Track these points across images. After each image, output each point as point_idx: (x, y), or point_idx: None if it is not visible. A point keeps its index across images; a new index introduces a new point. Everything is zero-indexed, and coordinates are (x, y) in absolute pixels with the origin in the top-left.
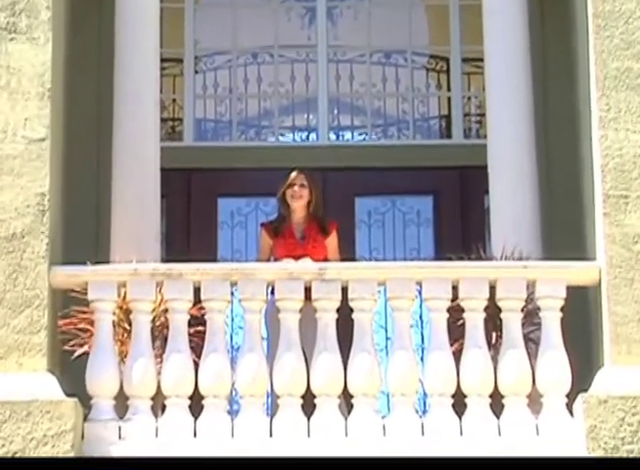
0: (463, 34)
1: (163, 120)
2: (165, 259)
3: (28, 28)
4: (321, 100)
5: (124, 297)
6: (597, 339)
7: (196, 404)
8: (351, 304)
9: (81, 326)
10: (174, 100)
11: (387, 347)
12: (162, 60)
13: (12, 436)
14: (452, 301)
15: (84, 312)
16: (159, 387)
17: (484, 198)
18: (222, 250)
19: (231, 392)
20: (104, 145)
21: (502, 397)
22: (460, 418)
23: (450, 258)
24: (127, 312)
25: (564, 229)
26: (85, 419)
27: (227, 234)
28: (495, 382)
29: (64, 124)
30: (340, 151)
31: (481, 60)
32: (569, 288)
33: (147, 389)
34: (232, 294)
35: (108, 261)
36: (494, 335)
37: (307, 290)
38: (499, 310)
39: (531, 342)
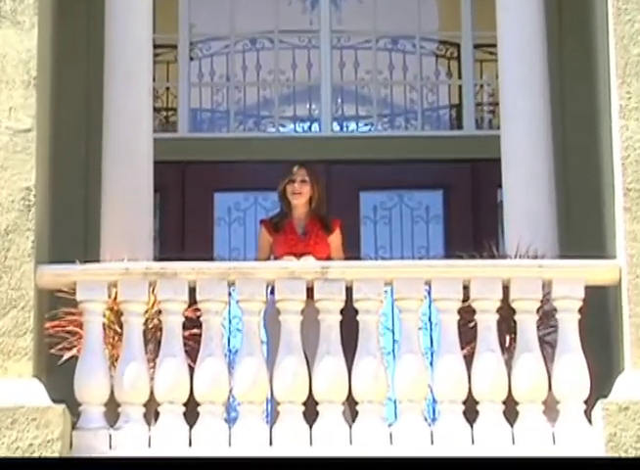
0: (475, 19)
1: (157, 110)
2: (159, 258)
3: (13, 12)
4: (324, 88)
5: (115, 297)
6: (617, 342)
7: (191, 412)
8: (356, 304)
9: (69, 329)
10: (168, 88)
11: (393, 350)
12: (155, 46)
13: None
14: (463, 301)
15: (73, 314)
16: (151, 393)
17: (497, 192)
18: (219, 248)
19: (228, 398)
20: (93, 137)
21: (516, 403)
22: (472, 426)
23: (461, 257)
24: (118, 314)
25: (582, 225)
26: (74, 427)
27: (224, 231)
28: (509, 388)
29: (51, 115)
30: (344, 142)
31: (494, 46)
32: (587, 288)
33: (139, 395)
34: (229, 294)
35: (98, 260)
36: (508, 338)
37: (309, 290)
38: (513, 312)
39: (547, 345)
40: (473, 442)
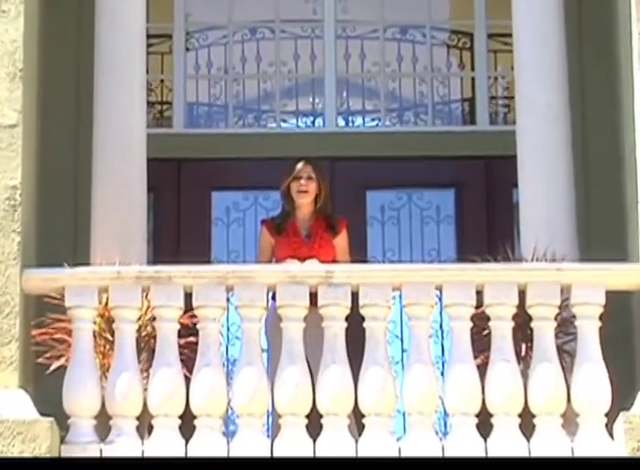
0: (489, 7)
1: (150, 104)
2: (153, 261)
3: None
4: (328, 81)
5: (106, 303)
6: None
7: (187, 425)
8: (362, 311)
9: (58, 336)
10: (162, 81)
11: (402, 360)
12: (149, 36)
13: None
14: (476, 308)
15: (61, 321)
16: (145, 405)
17: (513, 192)
18: (217, 250)
19: (227, 411)
20: (83, 133)
21: (533, 416)
22: (485, 440)
23: (474, 260)
24: (109, 321)
25: (603, 227)
26: (62, 441)
27: (222, 232)
28: (525, 400)
29: (38, 109)
30: (349, 138)
31: (510, 35)
32: (608, 293)
33: (132, 407)
34: (228, 300)
35: (88, 264)
36: (524, 346)
37: (313, 295)
38: (529, 319)
39: (566, 354)
40: (487, 456)
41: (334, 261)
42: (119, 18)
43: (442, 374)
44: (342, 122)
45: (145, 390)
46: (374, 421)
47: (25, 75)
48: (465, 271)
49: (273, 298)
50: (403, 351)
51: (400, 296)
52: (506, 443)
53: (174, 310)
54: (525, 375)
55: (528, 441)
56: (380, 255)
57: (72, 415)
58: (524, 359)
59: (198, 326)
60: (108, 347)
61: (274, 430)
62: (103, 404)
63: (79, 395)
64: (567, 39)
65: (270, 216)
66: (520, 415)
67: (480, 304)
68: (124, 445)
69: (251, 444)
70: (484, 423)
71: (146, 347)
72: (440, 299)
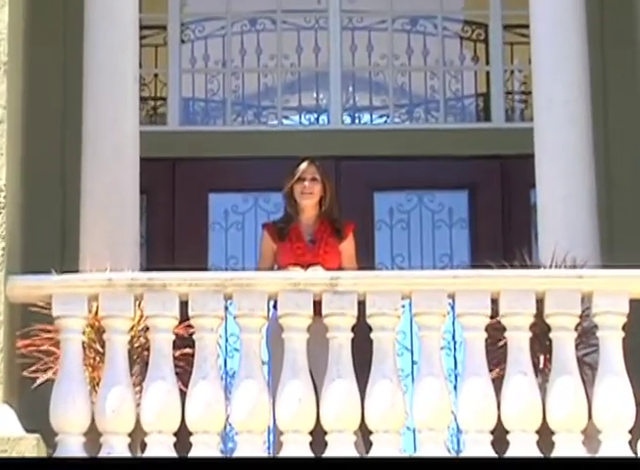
0: None
1: (143, 100)
2: (146, 268)
3: None
4: (333, 75)
5: (96, 312)
6: None
7: (182, 442)
8: (370, 320)
9: (44, 348)
10: (156, 75)
11: (412, 373)
12: (142, 27)
13: None
14: (491, 317)
15: (48, 331)
16: (137, 421)
17: (530, 193)
18: (214, 256)
19: (225, 427)
20: (72, 130)
21: (552, 433)
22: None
23: (489, 266)
24: (100, 331)
25: (626, 230)
26: None
27: (220, 237)
28: (543, 415)
29: (23, 105)
30: (355, 136)
31: (527, 26)
32: (632, 302)
33: (123, 423)
34: (226, 309)
35: (76, 270)
36: (542, 358)
37: (317, 304)
38: (548, 329)
39: (587, 367)
40: None
41: (339, 268)
42: (110, 8)
43: (455, 388)
44: (347, 119)
45: (138, 405)
46: (382, 438)
47: (10, 69)
48: (479, 278)
49: (274, 307)
50: (413, 363)
51: (410, 304)
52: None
53: (169, 320)
54: (543, 389)
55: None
56: (388, 261)
57: (60, 432)
58: (542, 372)
59: (194, 337)
60: (98, 359)
61: (275, 448)
62: (93, 420)
63: (68, 410)
64: (588, 30)
65: (272, 220)
66: (538, 432)
67: (495, 313)
68: None
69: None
70: (500, 440)
71: (139, 359)
72: (453, 308)
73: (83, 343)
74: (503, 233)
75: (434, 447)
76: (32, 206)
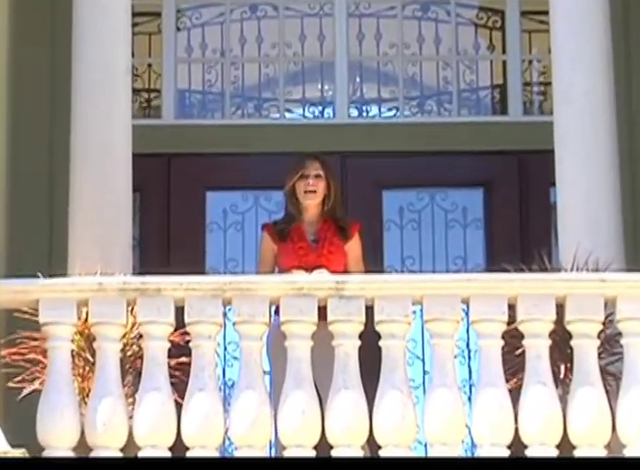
0: None
1: (136, 92)
2: (139, 271)
3: None
4: (339, 65)
5: (86, 319)
6: None
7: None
8: (378, 327)
9: (31, 357)
10: (150, 65)
11: (424, 383)
12: (135, 14)
13: None
14: (508, 324)
15: (35, 339)
16: (130, 435)
17: (550, 191)
18: (212, 258)
19: (223, 441)
20: (59, 126)
21: (573, 447)
22: None
23: (506, 269)
24: (90, 339)
25: None
26: None
27: (218, 238)
28: (564, 428)
29: (8, 100)
30: (363, 131)
31: (546, 13)
32: None
33: (115, 437)
34: (225, 315)
35: (65, 274)
36: (562, 368)
37: (322, 310)
38: (569, 336)
39: (611, 376)
40: None
41: (345, 271)
42: None
43: (469, 399)
44: (354, 112)
45: (130, 418)
46: (391, 453)
47: None
48: (495, 282)
49: (276, 312)
50: (425, 373)
51: (421, 310)
52: None
53: (164, 327)
54: (563, 400)
55: None
56: (398, 263)
57: (47, 446)
58: (562, 383)
59: (190, 345)
60: (88, 368)
61: None
62: (82, 434)
63: (55, 423)
64: (610, 16)
65: (272, 220)
66: (558, 446)
67: (512, 319)
68: None
69: None
70: (518, 455)
71: (131, 368)
72: (467, 314)
73: (72, 351)
74: (521, 234)
75: None
76: (18, 206)
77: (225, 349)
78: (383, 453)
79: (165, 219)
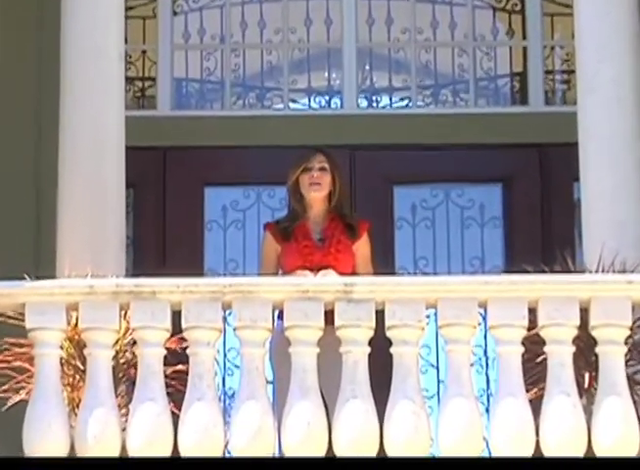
0: None
1: (130, 81)
2: (133, 273)
3: None
4: (347, 52)
5: (76, 324)
6: None
7: None
8: (389, 333)
9: (17, 364)
10: (144, 52)
11: (438, 393)
12: None
13: None
14: (529, 329)
15: (21, 346)
16: (123, 448)
17: (574, 187)
18: (211, 259)
19: (223, 455)
20: (47, 117)
21: None
22: None
23: (526, 271)
24: (80, 346)
25: None
26: None
27: (218, 237)
28: (588, 441)
29: None
30: (373, 122)
31: None
32: None
33: (107, 451)
34: (225, 320)
35: (53, 276)
36: (587, 376)
37: (329, 314)
38: (594, 342)
39: (639, 386)
40: None
41: (353, 272)
42: None
43: (487, 410)
44: (363, 103)
45: (123, 430)
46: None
47: None
48: (515, 285)
49: (280, 317)
50: (439, 382)
51: (435, 315)
52: None
53: (159, 333)
54: (588, 411)
55: None
56: (410, 265)
57: None
58: (587, 392)
59: (188, 352)
60: (78, 377)
61: None
62: (72, 447)
63: (43, 435)
64: None
65: (275, 218)
66: None
67: (533, 324)
68: None
69: None
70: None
71: (124, 377)
72: (485, 318)
73: (61, 359)
74: (542, 232)
75: None
76: (3, 203)
77: (225, 356)
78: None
79: (161, 217)
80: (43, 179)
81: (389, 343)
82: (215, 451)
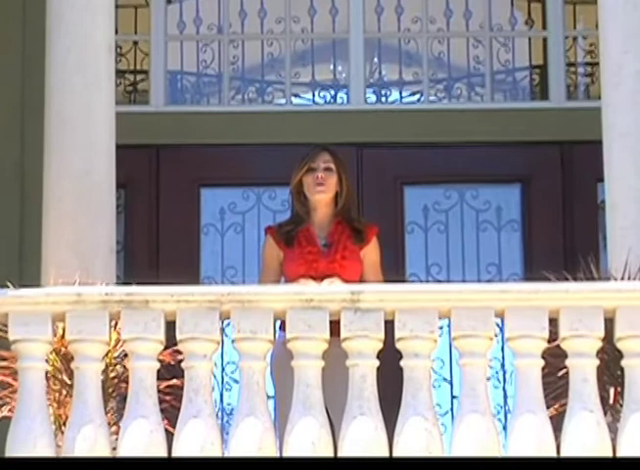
0: None
1: (120, 74)
2: (124, 280)
3: None
4: (354, 43)
5: (62, 335)
6: None
7: None
8: (399, 345)
9: None
10: (136, 43)
11: (452, 409)
12: None
13: None
14: (549, 341)
15: (3, 359)
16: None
17: (597, 188)
18: (208, 266)
19: None
20: (32, 113)
21: None
22: None
23: (546, 278)
24: (67, 359)
25: None
26: None
27: (215, 242)
28: None
29: None
30: (382, 118)
31: None
32: None
33: None
34: (222, 331)
35: (38, 284)
36: (612, 392)
37: (334, 325)
38: (620, 355)
39: None
40: None
41: (361, 280)
42: None
43: (504, 428)
44: (372, 97)
45: (114, 449)
46: None
47: None
48: (534, 293)
49: (282, 328)
50: (453, 397)
51: (449, 325)
52: None
53: (152, 345)
54: (613, 429)
55: None
56: (422, 271)
57: None
58: (612, 409)
59: (183, 365)
60: (65, 392)
61: None
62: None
63: (27, 454)
64: None
65: (277, 222)
66: None
67: (554, 336)
68: None
69: None
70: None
71: (115, 392)
72: (502, 329)
73: (46, 373)
74: (564, 237)
75: None
76: None
77: (223, 370)
78: None
79: (154, 220)
80: (27, 180)
81: (400, 355)
82: None
